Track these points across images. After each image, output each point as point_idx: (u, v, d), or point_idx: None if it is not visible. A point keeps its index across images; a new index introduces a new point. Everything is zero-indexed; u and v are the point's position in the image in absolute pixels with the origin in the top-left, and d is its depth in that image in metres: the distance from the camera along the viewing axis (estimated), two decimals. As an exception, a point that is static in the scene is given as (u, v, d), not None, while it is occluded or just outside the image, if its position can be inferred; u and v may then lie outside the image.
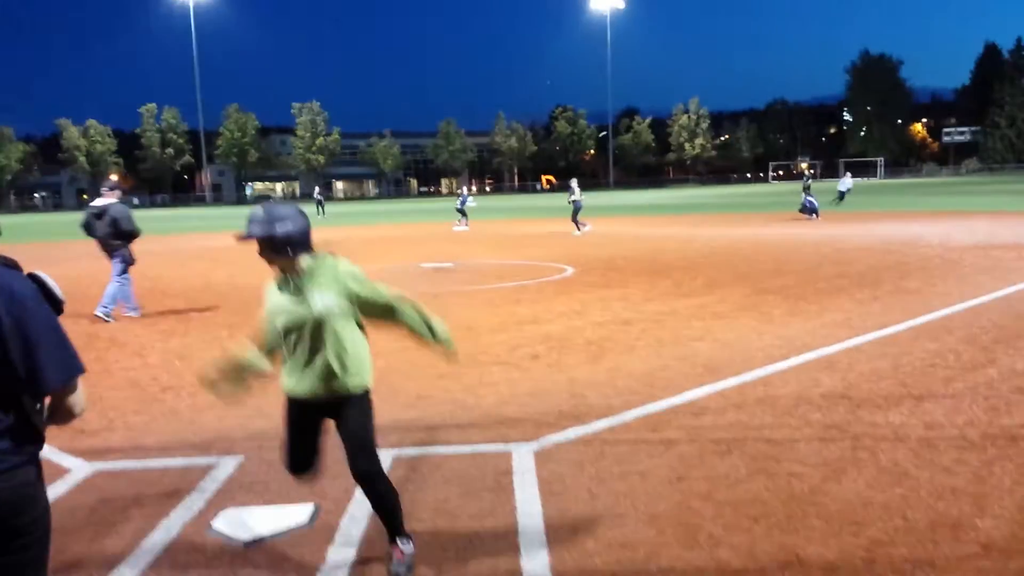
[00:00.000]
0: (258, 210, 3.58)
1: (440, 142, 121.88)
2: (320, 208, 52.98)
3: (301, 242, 3.58)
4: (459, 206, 32.10)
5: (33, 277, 2.30)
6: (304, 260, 3.59)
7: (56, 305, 2.33)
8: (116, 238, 11.11)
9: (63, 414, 2.31)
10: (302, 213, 3.64)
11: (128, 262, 11.29)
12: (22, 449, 2.21)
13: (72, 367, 2.29)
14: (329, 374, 3.58)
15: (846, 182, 41.06)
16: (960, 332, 8.64)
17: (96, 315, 11.01)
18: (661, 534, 4.04)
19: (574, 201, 26.25)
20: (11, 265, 2.30)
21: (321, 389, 3.61)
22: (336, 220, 46.25)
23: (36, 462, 2.28)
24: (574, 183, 27.12)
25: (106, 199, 11.12)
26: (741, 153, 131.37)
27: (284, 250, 3.53)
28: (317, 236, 3.65)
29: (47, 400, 2.29)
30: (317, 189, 60.16)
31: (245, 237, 3.52)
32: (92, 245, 11.51)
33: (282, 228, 3.51)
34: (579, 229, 25.66)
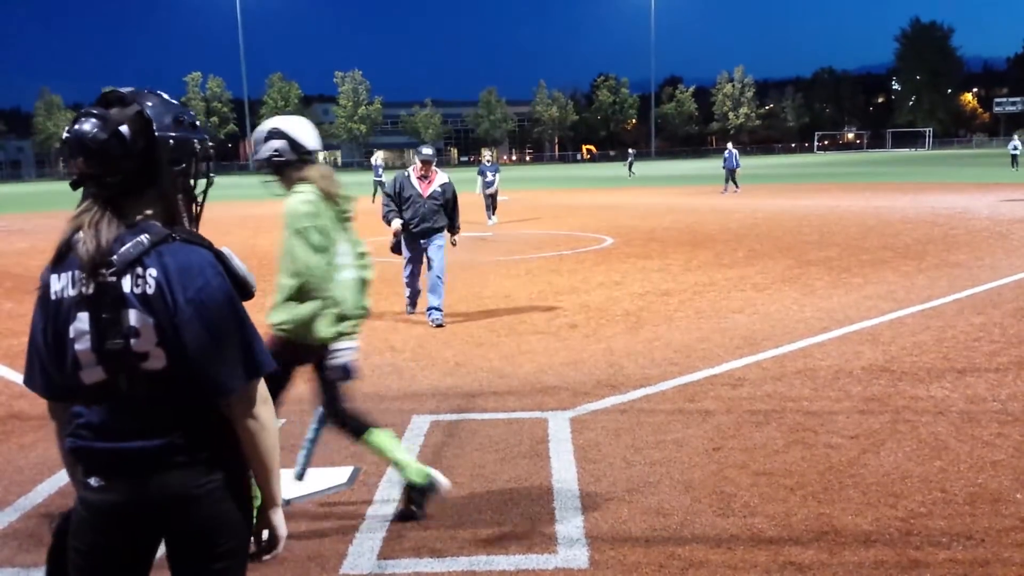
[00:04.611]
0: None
1: (481, 111, 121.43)
2: None
3: None
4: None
5: (218, 255, 1.88)
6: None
7: (243, 289, 1.89)
8: None
9: (245, 424, 1.88)
10: None
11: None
12: (204, 468, 1.87)
13: (254, 367, 1.87)
14: None
15: (1016, 144, 39.65)
16: (1007, 306, 8.49)
17: None
18: (696, 502, 4.06)
19: (490, 183, 22.09)
20: (194, 241, 1.87)
21: None
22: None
23: (228, 480, 1.91)
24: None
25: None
26: (786, 123, 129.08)
27: None
28: None
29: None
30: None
31: None
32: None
33: None
34: (493, 217, 21.89)
